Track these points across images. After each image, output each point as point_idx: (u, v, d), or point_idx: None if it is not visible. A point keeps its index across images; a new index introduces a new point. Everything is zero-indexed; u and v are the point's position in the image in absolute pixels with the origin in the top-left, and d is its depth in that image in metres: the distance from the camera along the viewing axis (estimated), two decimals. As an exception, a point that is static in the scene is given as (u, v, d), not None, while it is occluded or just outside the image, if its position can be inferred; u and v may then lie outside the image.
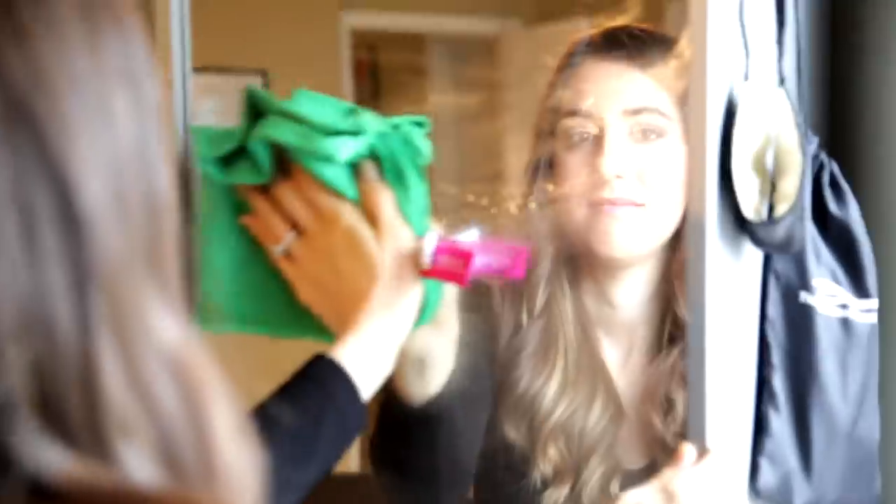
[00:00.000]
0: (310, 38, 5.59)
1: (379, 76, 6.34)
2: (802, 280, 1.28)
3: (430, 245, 1.21)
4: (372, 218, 1.22)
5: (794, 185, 1.16)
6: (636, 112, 1.46)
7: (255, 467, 0.52)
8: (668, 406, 1.51)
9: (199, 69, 1.45)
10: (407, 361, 1.28)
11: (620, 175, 1.45)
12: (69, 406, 0.46)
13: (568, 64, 1.52)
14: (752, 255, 1.25)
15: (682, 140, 1.47)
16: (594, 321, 1.56)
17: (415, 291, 1.21)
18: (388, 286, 1.19)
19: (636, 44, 1.49)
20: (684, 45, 1.43)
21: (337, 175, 1.21)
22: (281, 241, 1.26)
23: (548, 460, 1.51)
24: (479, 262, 1.21)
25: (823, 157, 1.29)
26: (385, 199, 1.22)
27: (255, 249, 1.30)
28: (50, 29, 0.47)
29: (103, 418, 0.46)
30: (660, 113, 1.47)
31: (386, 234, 1.20)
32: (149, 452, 0.47)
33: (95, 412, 0.46)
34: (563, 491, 1.51)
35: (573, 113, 1.49)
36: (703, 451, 1.15)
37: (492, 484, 1.57)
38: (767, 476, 1.27)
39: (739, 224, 1.18)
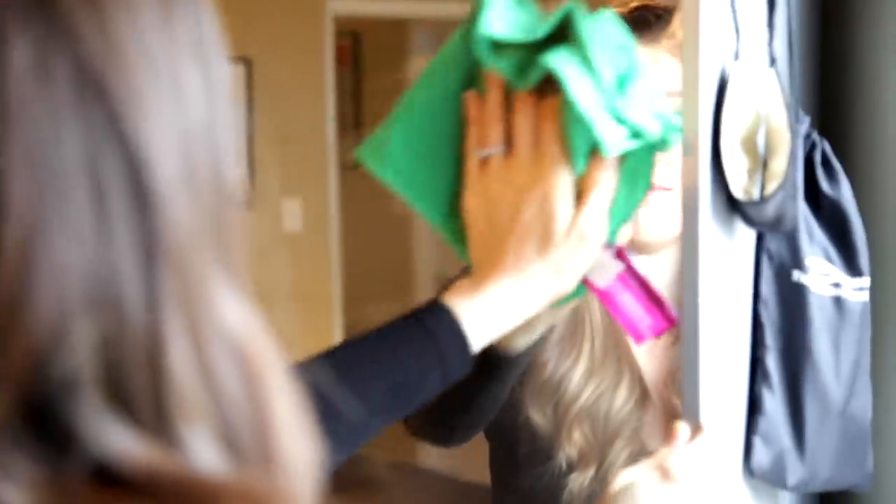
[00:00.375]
0: (294, 26, 5.58)
1: (361, 63, 6.33)
2: (795, 259, 1.28)
3: (612, 267, 1.17)
4: (582, 193, 1.15)
5: (783, 164, 1.16)
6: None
7: (314, 455, 0.51)
8: None
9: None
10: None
11: None
12: (135, 386, 0.45)
13: None
14: (745, 235, 1.26)
15: None
16: None
17: (567, 286, 1.16)
18: (553, 264, 1.14)
19: (661, 24, 1.48)
20: (676, 26, 1.43)
21: (582, 139, 1.13)
22: (488, 146, 1.19)
23: (573, 444, 1.51)
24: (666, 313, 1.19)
25: (815, 136, 1.30)
26: (603, 191, 1.15)
27: (456, 128, 1.21)
28: (124, 2, 0.47)
29: (169, 399, 0.46)
30: None
31: (580, 222, 1.14)
32: (211, 436, 0.47)
33: (161, 393, 0.45)
34: (588, 474, 1.51)
35: None
36: (696, 430, 1.16)
37: (515, 467, 1.56)
38: (761, 455, 1.27)
39: (732, 203, 1.18)
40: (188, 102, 0.49)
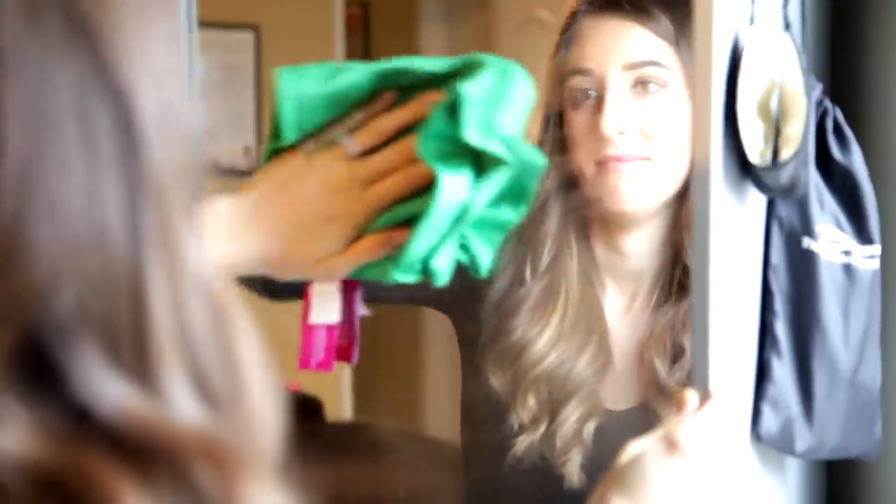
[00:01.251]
0: (302, -7, 5.56)
1: (370, 32, 6.31)
2: (806, 226, 1.28)
3: (331, 317, 1.20)
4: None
5: (798, 129, 1.16)
6: (636, 66, 1.47)
7: (278, 398, 0.52)
8: (674, 353, 1.52)
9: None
10: None
11: (623, 131, 1.46)
12: (120, 327, 0.45)
13: (571, 23, 1.53)
14: (756, 201, 1.25)
15: (685, 90, 1.47)
16: (602, 268, 1.57)
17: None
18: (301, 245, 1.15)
19: None
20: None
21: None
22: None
23: (527, 408, 1.53)
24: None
25: (827, 103, 1.29)
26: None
27: None
28: None
29: (151, 342, 0.46)
30: (660, 65, 1.47)
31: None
32: (187, 380, 0.47)
33: (144, 335, 0.46)
34: (538, 433, 1.53)
35: (575, 72, 1.50)
36: (705, 398, 1.15)
37: (471, 425, 1.59)
38: (769, 422, 1.27)
39: (744, 169, 1.18)
40: (158, 45, 0.49)
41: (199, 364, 0.48)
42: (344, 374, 5.88)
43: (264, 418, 0.50)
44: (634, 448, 1.08)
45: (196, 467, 0.45)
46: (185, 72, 0.52)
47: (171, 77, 0.50)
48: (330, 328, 1.23)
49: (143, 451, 0.44)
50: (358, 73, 1.17)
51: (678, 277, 1.53)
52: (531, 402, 1.53)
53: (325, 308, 1.22)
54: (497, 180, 1.10)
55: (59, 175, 0.45)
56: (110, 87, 0.46)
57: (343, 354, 1.25)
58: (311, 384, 4.86)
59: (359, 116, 1.18)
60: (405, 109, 1.16)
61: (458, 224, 1.10)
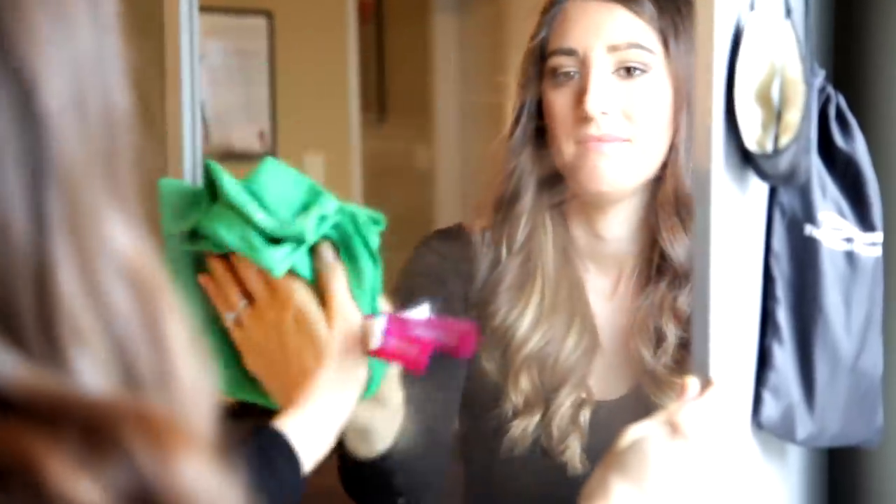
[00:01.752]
0: (315, -21, 5.56)
1: (383, 19, 6.31)
2: (808, 213, 1.27)
3: (379, 327, 1.25)
4: (324, 298, 1.27)
5: (797, 116, 1.16)
6: (620, 48, 1.48)
7: (210, 380, 0.52)
8: (657, 337, 1.52)
9: (204, 9, 1.45)
10: (350, 430, 1.36)
11: (606, 112, 1.47)
12: (20, 308, 0.45)
13: (552, 3, 1.53)
14: (758, 189, 1.25)
15: (667, 74, 1.48)
16: (583, 253, 1.58)
17: (361, 371, 1.26)
18: (335, 366, 1.24)
19: None
20: None
21: (296, 261, 1.27)
22: (234, 308, 1.32)
23: (519, 391, 1.54)
24: (429, 338, 1.27)
25: (830, 90, 1.29)
26: (338, 281, 1.27)
27: (210, 309, 1.34)
28: None
29: (56, 322, 0.46)
30: (644, 48, 1.48)
31: (336, 315, 1.26)
32: (103, 361, 0.47)
33: (48, 315, 0.46)
34: (533, 420, 1.53)
35: (558, 52, 1.51)
36: (706, 384, 1.15)
37: (470, 413, 1.60)
38: (770, 409, 1.27)
39: (744, 156, 1.17)
40: (76, 32, 0.49)
41: (121, 344, 0.48)
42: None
43: (195, 399, 0.51)
44: (635, 431, 1.09)
45: (127, 436, 0.45)
46: (112, 56, 0.51)
47: (94, 64, 0.49)
48: (397, 333, 1.27)
49: (58, 421, 0.44)
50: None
51: (656, 261, 1.54)
52: (523, 384, 1.54)
53: (375, 335, 1.28)
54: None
55: None
56: (11, 75, 0.46)
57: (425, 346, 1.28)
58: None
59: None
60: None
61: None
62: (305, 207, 1.30)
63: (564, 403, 1.53)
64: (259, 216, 1.26)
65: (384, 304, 1.32)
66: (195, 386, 0.50)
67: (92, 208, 0.48)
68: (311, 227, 1.27)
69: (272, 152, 5.51)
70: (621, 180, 1.49)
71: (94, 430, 0.44)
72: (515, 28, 4.95)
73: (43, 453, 0.43)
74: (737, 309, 1.23)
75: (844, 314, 1.30)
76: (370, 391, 1.30)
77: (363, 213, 1.30)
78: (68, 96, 0.48)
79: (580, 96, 1.47)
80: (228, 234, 1.26)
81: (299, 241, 1.26)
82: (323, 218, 1.28)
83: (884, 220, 1.31)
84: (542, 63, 1.53)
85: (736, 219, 1.20)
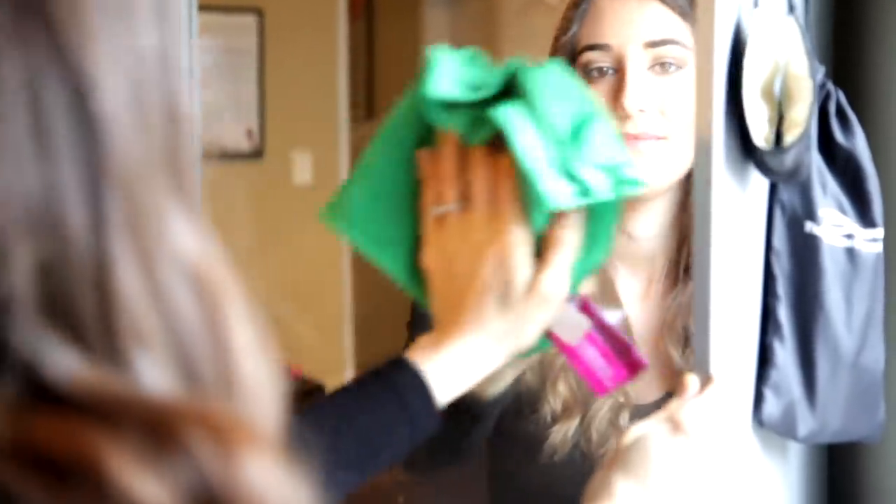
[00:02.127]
0: (305, -23, 5.55)
1: (374, 16, 6.30)
2: (808, 210, 1.27)
3: (581, 326, 1.18)
4: (542, 252, 1.16)
5: (803, 113, 1.15)
6: (657, 44, 1.44)
7: (276, 382, 0.51)
8: (685, 337, 1.51)
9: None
10: None
11: (643, 109, 1.43)
12: (81, 309, 0.45)
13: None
14: (759, 185, 1.25)
15: None
16: (614, 253, 1.56)
17: (529, 339, 1.18)
18: (513, 322, 1.16)
19: None
20: None
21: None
22: (443, 203, 1.20)
23: (558, 396, 1.52)
24: (621, 364, 1.21)
25: (830, 86, 1.28)
26: (566, 251, 1.16)
27: (413, 186, 1.22)
28: None
29: (117, 322, 0.46)
30: (680, 44, 1.45)
31: (543, 281, 1.15)
32: (165, 362, 0.47)
33: (109, 316, 0.45)
34: (573, 424, 1.52)
35: (592, 47, 1.47)
36: (707, 382, 1.15)
37: (505, 419, 1.57)
38: (771, 406, 1.27)
39: (747, 152, 1.17)
40: (138, 29, 0.48)
41: (183, 345, 0.47)
42: (346, 358, 5.88)
43: (260, 402, 0.50)
44: (637, 430, 1.09)
45: (190, 435, 0.44)
46: (174, 53, 0.51)
47: (146, 61, 0.49)
48: (596, 342, 1.22)
49: (120, 420, 0.44)
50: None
51: (686, 261, 1.52)
52: (561, 389, 1.52)
53: (567, 324, 1.21)
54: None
55: (9, 166, 0.44)
56: (65, 71, 0.45)
57: (626, 366, 1.24)
58: (313, 368, 4.86)
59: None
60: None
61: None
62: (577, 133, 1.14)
63: (603, 407, 1.51)
64: (564, 141, 1.11)
65: (587, 287, 1.23)
66: (260, 387, 0.50)
67: (154, 207, 0.47)
68: (605, 186, 1.13)
69: (260, 150, 5.50)
70: (657, 179, 1.46)
71: (157, 430, 0.44)
72: (507, 22, 4.94)
73: (106, 452, 0.42)
74: (737, 306, 1.23)
75: (845, 311, 1.29)
76: (523, 355, 1.22)
77: (621, 180, 1.15)
78: (127, 94, 0.47)
79: (616, 93, 1.44)
80: (523, 140, 1.10)
81: (584, 190, 1.12)
82: (620, 181, 1.14)
83: (884, 216, 1.31)
84: (572, 59, 1.50)
85: (736, 215, 1.20)
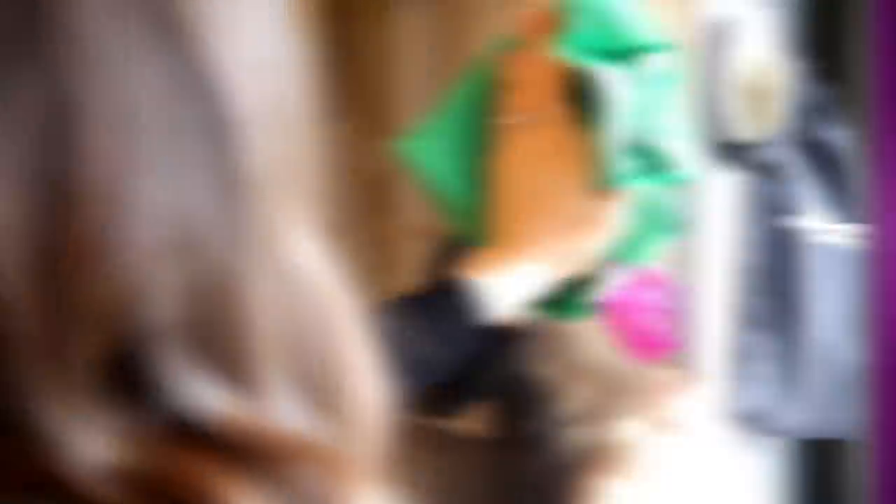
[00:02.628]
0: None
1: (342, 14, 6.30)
2: (787, 205, 1.27)
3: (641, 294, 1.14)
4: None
5: (779, 107, 1.16)
6: None
7: (387, 399, 0.50)
8: None
9: None
10: None
11: None
12: (214, 331, 0.43)
13: None
14: (737, 180, 1.25)
15: None
16: None
17: (577, 268, 1.12)
18: (567, 247, 1.11)
19: None
20: None
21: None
22: (528, 113, 1.13)
23: (576, 396, 1.52)
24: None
25: (812, 81, 1.29)
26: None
27: (483, 131, 1.16)
28: None
29: (248, 345, 0.44)
30: None
31: (609, 207, 1.10)
32: (289, 384, 0.45)
33: (241, 339, 0.43)
34: (589, 426, 1.51)
35: None
36: (687, 378, 1.16)
37: (514, 416, 1.57)
38: (750, 401, 1.27)
39: (725, 147, 1.17)
40: (264, 34, 0.47)
41: (302, 368, 0.46)
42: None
43: (371, 423, 0.48)
44: (626, 428, 1.09)
45: (304, 472, 0.43)
46: (297, 60, 0.49)
47: (275, 68, 0.47)
48: (644, 309, 1.19)
49: (246, 456, 0.42)
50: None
51: None
52: (580, 390, 1.52)
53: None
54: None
55: (146, 179, 0.42)
56: (201, 84, 0.44)
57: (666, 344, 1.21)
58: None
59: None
60: None
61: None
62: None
63: (621, 410, 1.51)
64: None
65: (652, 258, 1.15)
66: (370, 413, 0.48)
67: (281, 223, 0.45)
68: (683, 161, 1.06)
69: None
70: None
71: (269, 464, 0.43)
72: (477, 19, 4.95)
73: (221, 488, 0.41)
74: (716, 301, 1.23)
75: (824, 305, 1.30)
76: (567, 314, 1.16)
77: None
78: (257, 103, 0.45)
79: None
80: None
81: (655, 164, 1.06)
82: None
83: (863, 211, 1.31)
84: None
85: (715, 210, 1.20)
